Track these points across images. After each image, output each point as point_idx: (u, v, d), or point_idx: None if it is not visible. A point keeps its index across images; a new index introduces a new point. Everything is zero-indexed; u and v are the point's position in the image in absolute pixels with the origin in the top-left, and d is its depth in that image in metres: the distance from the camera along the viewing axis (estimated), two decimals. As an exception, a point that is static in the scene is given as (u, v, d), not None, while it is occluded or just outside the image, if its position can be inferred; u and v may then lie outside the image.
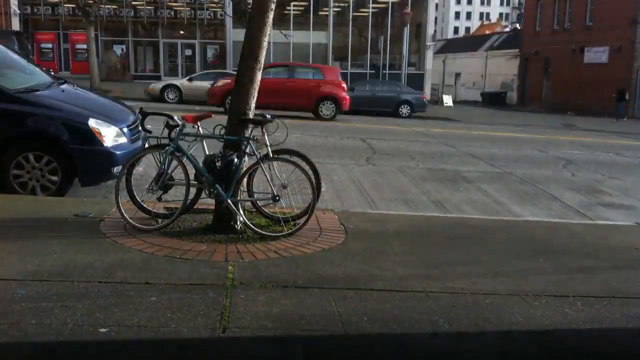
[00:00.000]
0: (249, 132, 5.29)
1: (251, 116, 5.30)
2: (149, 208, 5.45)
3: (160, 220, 5.22)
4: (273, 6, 5.22)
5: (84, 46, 28.55)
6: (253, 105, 5.33)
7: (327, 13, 33.15)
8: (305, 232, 5.27)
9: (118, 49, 35.14)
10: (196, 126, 5.43)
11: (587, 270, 4.90)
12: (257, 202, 5.67)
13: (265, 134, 5.32)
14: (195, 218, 5.48)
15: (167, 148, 5.22)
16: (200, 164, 5.24)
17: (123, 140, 6.63)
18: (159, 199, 5.39)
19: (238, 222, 5.18)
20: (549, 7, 38.21)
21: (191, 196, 5.35)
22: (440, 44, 58.38)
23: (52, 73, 9.34)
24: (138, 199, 5.46)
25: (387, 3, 33.42)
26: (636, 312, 4.04)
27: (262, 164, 5.24)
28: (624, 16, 30.41)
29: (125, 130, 6.73)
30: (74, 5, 28.61)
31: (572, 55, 34.70)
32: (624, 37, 30.72)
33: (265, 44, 5.24)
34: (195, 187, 5.35)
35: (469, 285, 4.24)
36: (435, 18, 42.12)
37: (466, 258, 4.97)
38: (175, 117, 5.30)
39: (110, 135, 6.48)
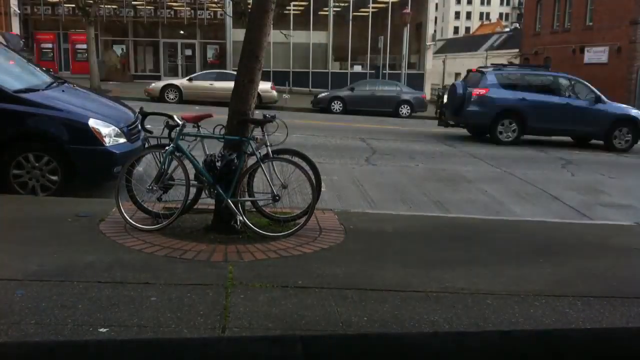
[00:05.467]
0: (249, 132, 5.29)
1: (251, 116, 5.30)
2: (149, 208, 5.45)
3: (160, 220, 5.22)
4: (273, 6, 5.22)
5: (84, 46, 28.52)
6: (253, 105, 5.34)
7: (327, 13, 33.11)
8: (305, 232, 5.27)
9: (118, 49, 35.10)
10: (196, 126, 5.43)
11: (587, 270, 4.89)
12: (257, 202, 5.67)
13: (266, 134, 5.32)
14: (195, 218, 5.48)
15: (167, 148, 5.22)
16: (200, 164, 5.23)
17: (123, 140, 6.63)
18: (159, 199, 5.39)
19: (238, 222, 5.17)
20: (549, 7, 38.17)
21: (191, 196, 5.35)
22: (440, 44, 58.37)
23: (52, 73, 9.34)
24: (138, 198, 5.46)
25: (387, 3, 33.40)
26: (636, 312, 4.05)
27: (262, 164, 5.24)
28: (624, 16, 30.39)
29: (125, 130, 6.73)
30: (74, 5, 28.56)
31: (572, 55, 34.66)
32: (624, 37, 30.69)
33: (265, 44, 5.24)
34: (195, 187, 5.35)
35: (469, 285, 4.24)
36: (435, 18, 42.11)
37: (466, 258, 4.96)
38: (175, 117, 5.30)
39: (110, 135, 6.48)
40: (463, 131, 16.20)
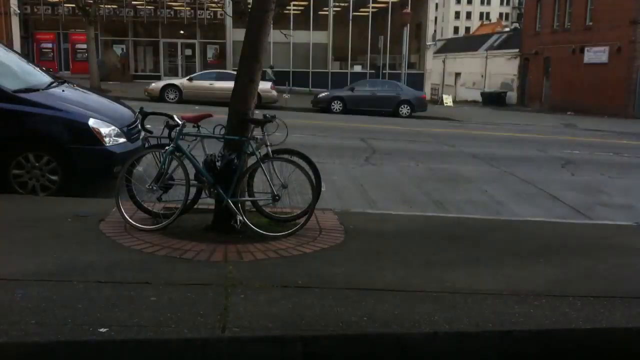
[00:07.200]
0: (249, 132, 5.29)
1: (251, 116, 5.30)
2: (149, 208, 5.45)
3: (160, 220, 5.22)
4: (273, 6, 5.22)
5: (84, 46, 28.54)
6: (253, 105, 5.33)
7: (327, 13, 33.11)
8: (305, 232, 5.27)
9: (118, 49, 35.08)
10: (196, 126, 5.43)
11: (587, 270, 4.89)
12: (257, 201, 5.67)
13: (266, 133, 5.31)
14: (195, 218, 5.47)
15: (167, 148, 5.21)
16: (200, 164, 5.23)
17: (123, 140, 6.63)
18: (159, 199, 5.39)
19: (238, 222, 5.17)
20: (549, 7, 38.18)
21: (191, 196, 5.34)
22: (440, 44, 58.40)
23: (52, 73, 9.34)
24: (138, 198, 5.46)
25: (387, 3, 33.40)
26: (636, 312, 4.04)
27: (262, 164, 5.24)
28: (624, 16, 30.38)
29: (125, 130, 6.73)
30: (74, 5, 28.55)
31: (572, 55, 34.68)
32: (624, 37, 30.69)
33: (265, 44, 5.24)
34: (195, 187, 5.35)
35: (469, 285, 4.24)
36: (435, 18, 42.16)
37: (466, 258, 4.96)
38: (175, 117, 5.29)
39: (110, 135, 6.48)
40: (463, 131, 16.17)
